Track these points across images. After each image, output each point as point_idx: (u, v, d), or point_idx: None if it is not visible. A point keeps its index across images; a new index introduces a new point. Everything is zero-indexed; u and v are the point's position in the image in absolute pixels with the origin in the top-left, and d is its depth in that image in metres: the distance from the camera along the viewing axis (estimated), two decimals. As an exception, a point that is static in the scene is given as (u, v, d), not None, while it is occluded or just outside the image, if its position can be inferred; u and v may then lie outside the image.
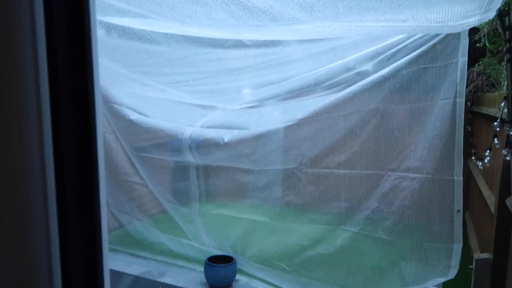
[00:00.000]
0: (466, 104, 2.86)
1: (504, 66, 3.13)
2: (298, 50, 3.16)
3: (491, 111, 3.06)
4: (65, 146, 0.52)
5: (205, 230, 3.91)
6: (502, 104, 2.34)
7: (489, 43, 3.73)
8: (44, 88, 0.50)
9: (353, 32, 2.65)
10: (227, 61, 3.35)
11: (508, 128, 2.26)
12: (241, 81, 3.65)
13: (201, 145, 3.66)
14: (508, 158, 2.26)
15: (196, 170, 3.93)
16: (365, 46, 2.99)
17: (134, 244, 4.18)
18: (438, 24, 2.28)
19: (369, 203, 3.10)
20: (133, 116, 3.70)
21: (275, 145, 3.42)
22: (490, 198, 3.05)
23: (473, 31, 3.38)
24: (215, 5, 2.07)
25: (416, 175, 2.93)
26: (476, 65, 4.32)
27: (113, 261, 3.86)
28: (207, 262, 3.55)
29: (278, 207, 3.69)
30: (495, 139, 2.51)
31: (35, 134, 0.49)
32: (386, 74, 2.88)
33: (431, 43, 2.77)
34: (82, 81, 0.55)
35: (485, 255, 2.76)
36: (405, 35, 2.83)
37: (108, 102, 3.76)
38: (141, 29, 2.61)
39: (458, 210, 2.82)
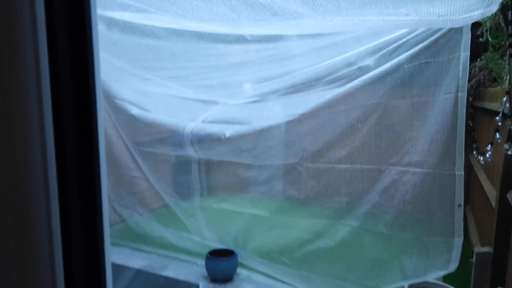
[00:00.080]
0: (468, 98, 2.86)
1: (507, 61, 3.12)
2: (300, 45, 3.15)
3: (493, 105, 3.05)
4: (66, 141, 0.52)
5: (206, 224, 3.92)
6: (504, 99, 2.33)
7: (492, 38, 3.71)
8: (45, 83, 0.50)
9: (354, 26, 2.64)
10: (229, 56, 3.34)
11: (510, 123, 2.25)
12: (243, 76, 3.64)
13: (203, 140, 3.66)
14: (509, 152, 2.25)
15: (198, 165, 3.94)
16: (367, 41, 2.98)
17: (136, 238, 4.20)
18: (440, 18, 2.27)
19: (370, 197, 3.11)
20: (135, 111, 3.71)
21: (276, 140, 3.42)
22: (491, 192, 3.05)
23: (475, 25, 3.36)
24: (216, 0, 2.07)
25: (417, 169, 2.94)
26: (478, 59, 4.30)
27: (115, 255, 3.89)
28: (208, 255, 3.57)
29: (279, 202, 3.71)
30: (497, 133, 2.51)
31: (37, 129, 0.49)
32: (387, 69, 2.88)
33: (433, 38, 2.76)
34: (83, 76, 0.55)
35: (486, 249, 2.76)
36: (407, 29, 2.82)
37: (109, 97, 3.76)
38: (142, 24, 2.61)
39: (459, 204, 2.83)
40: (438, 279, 2.94)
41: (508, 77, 2.77)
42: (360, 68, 3.06)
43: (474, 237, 3.71)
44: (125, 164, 4.15)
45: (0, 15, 0.47)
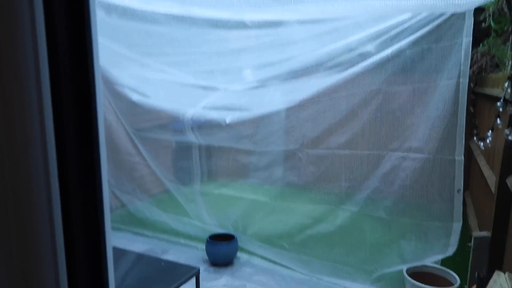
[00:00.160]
0: (469, 84, 2.84)
1: (509, 46, 3.09)
2: (300, 30, 3.12)
3: (495, 91, 3.04)
4: (66, 127, 0.53)
5: (206, 209, 3.96)
6: (506, 84, 2.32)
7: (495, 23, 3.66)
8: (44, 68, 0.50)
9: (356, 11, 2.62)
10: (229, 42, 3.32)
11: (511, 108, 2.25)
12: (243, 62, 3.62)
13: (203, 126, 3.67)
14: (510, 137, 2.25)
15: (198, 150, 3.96)
16: (368, 27, 2.95)
17: (137, 223, 4.24)
18: (443, 2, 2.24)
19: (370, 183, 3.13)
20: (135, 97, 3.70)
21: (276, 126, 3.42)
22: (491, 177, 3.06)
23: (478, 11, 3.32)
24: (216, -16, 2.04)
25: (417, 155, 2.95)
26: (481, 45, 4.26)
27: (117, 239, 3.93)
28: (209, 240, 3.61)
29: (279, 187, 3.73)
30: (498, 119, 2.50)
31: (36, 114, 0.49)
32: (389, 55, 2.86)
33: (435, 23, 2.73)
34: (82, 62, 0.55)
35: (484, 233, 2.79)
36: (409, 15, 2.78)
37: (109, 83, 3.75)
38: (141, 10, 2.58)
39: (458, 190, 2.85)
40: (436, 262, 2.98)
41: (510, 62, 2.75)
42: (361, 54, 3.04)
43: (473, 222, 3.74)
44: (125, 150, 4.16)
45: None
